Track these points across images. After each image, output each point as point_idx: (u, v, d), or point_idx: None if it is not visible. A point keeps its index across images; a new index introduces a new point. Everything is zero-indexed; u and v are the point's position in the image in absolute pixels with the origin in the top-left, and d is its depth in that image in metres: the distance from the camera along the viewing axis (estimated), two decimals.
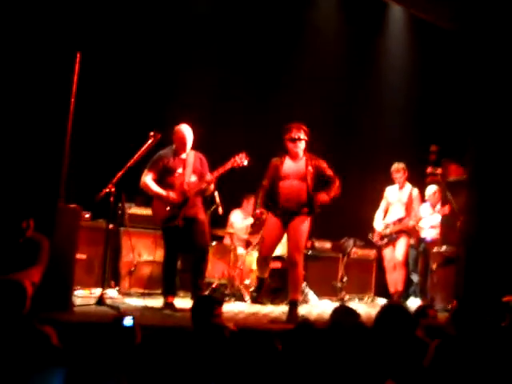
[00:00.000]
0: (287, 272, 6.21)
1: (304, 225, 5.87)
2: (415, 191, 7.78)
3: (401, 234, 7.60)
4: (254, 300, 7.02)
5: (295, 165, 5.90)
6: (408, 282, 8.28)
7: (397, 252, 7.64)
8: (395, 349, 3.31)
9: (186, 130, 6.09)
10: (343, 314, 4.07)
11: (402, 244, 7.63)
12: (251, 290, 7.18)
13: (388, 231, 7.65)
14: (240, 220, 8.12)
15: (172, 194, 5.98)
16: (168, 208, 5.98)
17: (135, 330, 3.22)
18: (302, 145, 5.89)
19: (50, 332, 3.18)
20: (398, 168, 7.71)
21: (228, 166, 6.01)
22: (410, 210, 7.64)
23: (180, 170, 6.06)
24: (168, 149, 6.14)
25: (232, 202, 8.00)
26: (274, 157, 6.00)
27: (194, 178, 6.07)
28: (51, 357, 2.93)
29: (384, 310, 3.78)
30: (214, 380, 2.87)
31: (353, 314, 4.03)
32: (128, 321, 3.26)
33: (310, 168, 5.85)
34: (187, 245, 6.16)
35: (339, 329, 3.57)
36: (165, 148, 6.13)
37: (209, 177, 6.02)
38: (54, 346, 3.00)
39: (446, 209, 7.71)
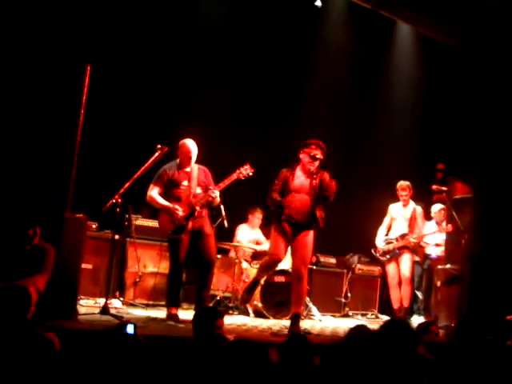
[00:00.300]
0: (291, 286, 6.23)
1: (310, 239, 5.94)
2: (419, 208, 7.83)
3: (404, 250, 7.64)
4: (244, 302, 6.72)
5: (305, 179, 5.95)
6: (413, 298, 8.28)
7: (402, 268, 7.65)
8: (396, 364, 3.32)
9: (191, 145, 6.19)
10: (361, 332, 4.07)
11: (406, 260, 7.65)
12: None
13: (391, 247, 7.66)
14: (246, 235, 8.17)
15: (178, 207, 6.04)
16: (176, 221, 6.04)
17: (137, 338, 3.26)
18: (317, 163, 5.94)
19: (52, 338, 3.23)
20: (403, 186, 7.76)
21: (233, 177, 6.09)
22: (413, 227, 7.68)
23: (185, 183, 6.14)
24: (172, 163, 6.23)
25: (238, 216, 8.05)
26: (284, 168, 6.03)
27: (199, 191, 6.15)
28: (53, 362, 2.97)
29: (387, 325, 3.80)
30: None
31: (370, 333, 4.04)
32: (130, 328, 3.30)
33: (314, 182, 5.91)
34: (193, 257, 6.22)
35: (354, 345, 3.55)
36: (169, 162, 6.21)
37: (215, 192, 6.08)
38: (56, 351, 3.04)
39: (450, 227, 7.70)
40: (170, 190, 6.13)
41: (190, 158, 6.16)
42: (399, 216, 7.77)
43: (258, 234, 8.21)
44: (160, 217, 6.21)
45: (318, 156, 5.86)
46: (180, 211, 6.02)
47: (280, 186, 5.94)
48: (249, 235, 8.16)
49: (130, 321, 4.34)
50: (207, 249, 6.12)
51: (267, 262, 6.27)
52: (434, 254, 8.35)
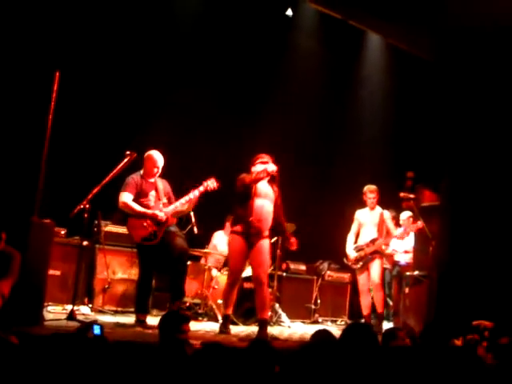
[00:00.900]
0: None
1: (267, 245, 6.05)
2: (386, 212, 7.82)
3: (375, 256, 7.61)
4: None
5: (266, 185, 6.06)
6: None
7: (372, 274, 7.62)
8: (358, 368, 3.35)
9: (158, 157, 6.27)
10: (324, 336, 4.14)
11: (376, 266, 7.63)
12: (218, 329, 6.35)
13: (363, 253, 7.64)
14: (223, 240, 8.20)
15: (158, 213, 6.08)
16: (148, 226, 6.07)
17: (104, 338, 3.26)
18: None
19: (14, 341, 3.22)
20: (371, 188, 7.78)
21: (201, 189, 6.21)
22: (381, 231, 7.70)
23: (153, 193, 6.22)
24: (137, 173, 6.25)
25: (212, 224, 8.10)
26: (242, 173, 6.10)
27: (165, 201, 6.24)
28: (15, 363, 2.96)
29: (349, 329, 3.85)
30: None
31: (331, 338, 4.12)
32: (96, 329, 3.31)
33: (274, 189, 6.04)
34: (163, 263, 6.24)
35: (314, 350, 3.58)
36: (133, 173, 6.22)
37: (193, 196, 6.18)
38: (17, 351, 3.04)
39: (420, 223, 7.61)
40: (138, 200, 6.14)
41: (156, 170, 6.24)
42: (367, 221, 7.77)
43: None
44: (130, 223, 6.18)
45: (266, 159, 6.09)
46: (162, 216, 6.07)
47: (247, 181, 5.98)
48: (225, 241, 8.19)
49: (97, 322, 4.34)
50: (176, 241, 6.16)
51: (226, 286, 6.22)
52: (403, 260, 8.45)
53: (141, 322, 5.98)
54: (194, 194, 6.19)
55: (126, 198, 6.10)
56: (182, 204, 6.21)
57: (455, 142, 8.44)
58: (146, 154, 6.26)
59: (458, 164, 8.32)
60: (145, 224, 6.05)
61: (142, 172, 6.27)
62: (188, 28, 8.37)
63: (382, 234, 7.68)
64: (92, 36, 7.40)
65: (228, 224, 8.17)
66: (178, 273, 6.17)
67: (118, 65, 7.77)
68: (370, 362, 3.42)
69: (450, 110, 8.54)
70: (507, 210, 7.88)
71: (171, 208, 6.17)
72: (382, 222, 7.75)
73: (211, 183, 6.24)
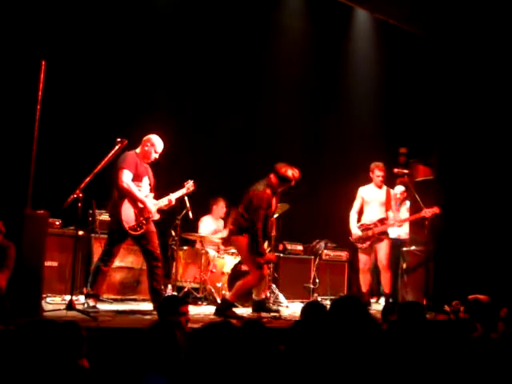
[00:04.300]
0: None
1: None
2: (394, 190, 7.65)
3: (383, 237, 7.43)
4: None
5: None
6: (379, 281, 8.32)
7: (380, 256, 7.45)
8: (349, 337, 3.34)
9: (160, 142, 6.20)
10: (314, 308, 4.19)
11: (384, 247, 7.44)
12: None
13: (370, 233, 7.44)
14: (209, 226, 8.19)
15: (153, 208, 6.10)
16: (138, 216, 6.03)
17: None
18: None
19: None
20: (380, 166, 7.51)
21: (183, 191, 6.49)
22: (389, 210, 7.49)
23: (146, 179, 6.17)
24: (132, 152, 6.13)
25: (201, 209, 8.08)
26: None
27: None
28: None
29: (337, 301, 3.88)
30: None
31: (322, 307, 4.16)
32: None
33: None
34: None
35: (308, 323, 3.60)
36: (129, 151, 6.11)
37: (173, 201, 6.35)
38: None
39: (436, 208, 7.26)
40: (132, 181, 6.04)
41: (155, 155, 6.17)
42: (373, 199, 7.52)
43: (219, 223, 8.26)
44: (125, 207, 5.99)
45: None
46: (154, 212, 6.12)
47: None
48: (211, 226, 8.18)
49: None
50: (157, 244, 6.15)
51: None
52: (396, 236, 8.39)
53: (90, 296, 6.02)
54: (178, 194, 6.42)
55: (127, 177, 5.95)
56: (170, 201, 6.29)
57: (446, 115, 8.45)
58: (148, 136, 6.18)
59: (449, 138, 8.34)
60: (136, 212, 6.02)
61: (137, 151, 6.18)
62: (170, 13, 8.26)
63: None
64: (77, 23, 7.32)
65: (215, 207, 8.22)
66: (156, 280, 6.08)
67: (105, 51, 7.69)
68: (364, 335, 3.43)
69: (440, 82, 8.53)
70: (500, 180, 7.92)
71: (160, 202, 6.23)
72: (389, 201, 7.51)
73: (191, 186, 6.54)
